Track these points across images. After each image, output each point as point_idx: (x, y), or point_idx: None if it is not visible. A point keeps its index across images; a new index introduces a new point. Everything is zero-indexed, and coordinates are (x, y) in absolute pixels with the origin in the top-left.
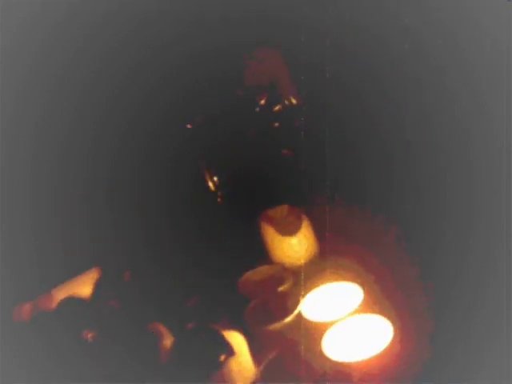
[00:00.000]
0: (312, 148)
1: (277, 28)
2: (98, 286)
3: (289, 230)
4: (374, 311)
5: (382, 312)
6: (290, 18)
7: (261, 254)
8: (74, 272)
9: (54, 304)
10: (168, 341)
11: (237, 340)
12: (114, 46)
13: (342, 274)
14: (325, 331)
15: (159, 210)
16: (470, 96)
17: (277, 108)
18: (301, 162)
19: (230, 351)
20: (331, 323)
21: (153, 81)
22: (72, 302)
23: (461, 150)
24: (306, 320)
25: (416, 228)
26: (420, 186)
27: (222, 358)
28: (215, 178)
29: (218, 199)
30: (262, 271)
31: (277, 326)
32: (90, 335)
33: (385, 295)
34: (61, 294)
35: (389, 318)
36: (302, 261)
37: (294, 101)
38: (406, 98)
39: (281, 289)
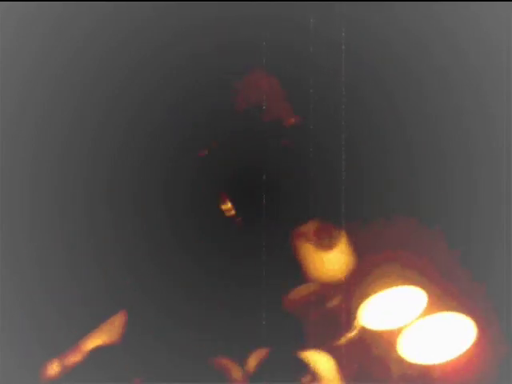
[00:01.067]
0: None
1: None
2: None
3: (325, 245)
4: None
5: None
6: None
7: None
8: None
9: (82, 356)
10: (237, 373)
11: (320, 360)
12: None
13: (393, 280)
14: (394, 338)
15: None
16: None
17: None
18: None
19: (313, 372)
20: (399, 329)
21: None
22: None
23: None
24: (371, 330)
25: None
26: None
27: (306, 379)
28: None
29: (238, 222)
30: (304, 289)
31: (342, 341)
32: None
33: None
34: (89, 344)
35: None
36: (341, 276)
37: (292, 120)
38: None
39: (329, 305)
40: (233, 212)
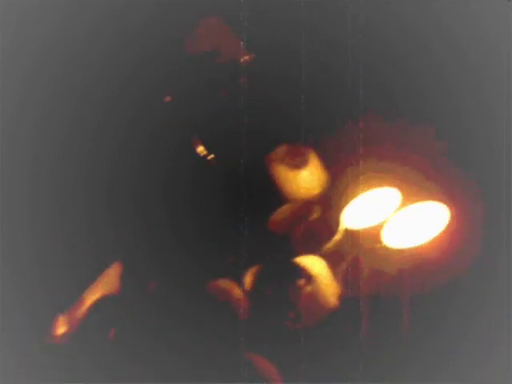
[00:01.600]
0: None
1: None
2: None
3: (297, 165)
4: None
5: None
6: None
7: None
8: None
9: (86, 308)
10: (238, 291)
11: (312, 262)
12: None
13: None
14: (377, 233)
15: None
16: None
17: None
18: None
19: (307, 274)
20: (379, 226)
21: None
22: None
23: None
24: (353, 230)
25: None
26: None
27: (301, 282)
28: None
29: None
30: (285, 210)
31: (329, 245)
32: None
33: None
34: (91, 296)
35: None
36: (317, 190)
37: (246, 57)
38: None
39: (311, 218)
40: (205, 152)
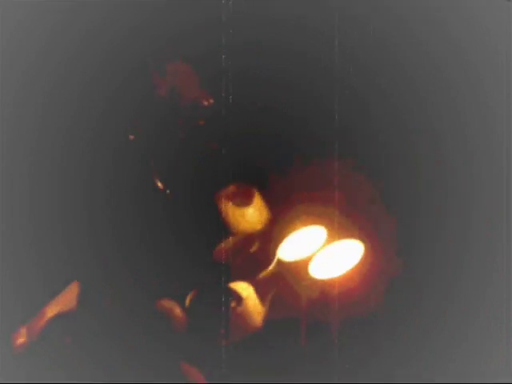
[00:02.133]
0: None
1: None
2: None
3: (244, 202)
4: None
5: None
6: None
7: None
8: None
9: (45, 322)
10: (178, 310)
11: (242, 287)
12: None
13: (307, 219)
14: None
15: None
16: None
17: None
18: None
19: (238, 298)
20: (309, 258)
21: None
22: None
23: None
24: (287, 262)
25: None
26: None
27: (233, 304)
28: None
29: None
30: (229, 241)
31: (264, 274)
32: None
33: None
34: (50, 311)
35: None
36: (259, 227)
37: (210, 101)
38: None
39: (252, 250)
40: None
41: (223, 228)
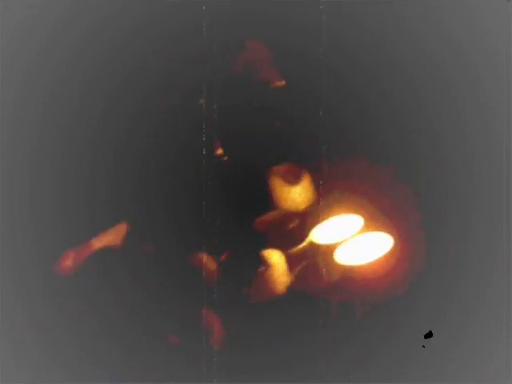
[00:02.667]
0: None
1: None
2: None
3: (293, 181)
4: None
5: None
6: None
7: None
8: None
9: (91, 252)
10: (212, 265)
11: (275, 256)
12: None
13: (345, 206)
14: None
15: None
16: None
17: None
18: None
19: (267, 265)
20: (339, 243)
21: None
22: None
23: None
24: (317, 244)
25: None
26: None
27: (262, 268)
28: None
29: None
30: (273, 215)
31: (295, 250)
32: None
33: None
34: (97, 243)
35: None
36: (303, 206)
37: (279, 83)
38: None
39: (290, 226)
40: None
41: (269, 201)
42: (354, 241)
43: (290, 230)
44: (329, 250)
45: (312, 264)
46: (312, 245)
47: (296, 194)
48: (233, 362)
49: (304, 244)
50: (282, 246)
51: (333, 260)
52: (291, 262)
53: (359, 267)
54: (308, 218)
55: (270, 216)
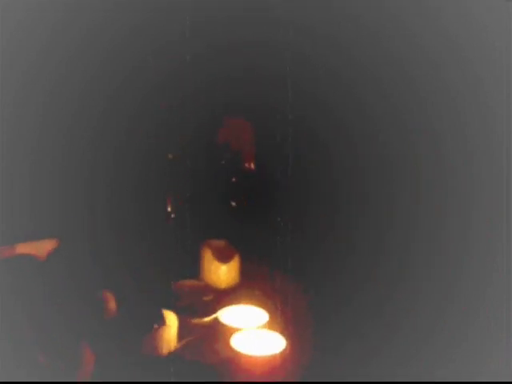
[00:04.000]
0: None
1: None
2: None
3: (223, 259)
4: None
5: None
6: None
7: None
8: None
9: (11, 254)
10: (113, 304)
11: (171, 317)
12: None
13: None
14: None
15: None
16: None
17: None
18: None
19: (163, 322)
20: (240, 329)
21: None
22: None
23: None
24: (222, 323)
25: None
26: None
27: (156, 326)
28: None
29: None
30: (194, 282)
31: (198, 321)
32: None
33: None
34: (22, 249)
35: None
36: (224, 285)
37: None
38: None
39: (205, 298)
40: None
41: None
42: (254, 332)
43: (203, 302)
44: (228, 332)
45: (206, 337)
46: (215, 322)
47: (222, 272)
48: None
49: (208, 319)
50: (190, 314)
51: (228, 342)
52: (188, 330)
53: (248, 357)
54: (224, 297)
55: (190, 282)
